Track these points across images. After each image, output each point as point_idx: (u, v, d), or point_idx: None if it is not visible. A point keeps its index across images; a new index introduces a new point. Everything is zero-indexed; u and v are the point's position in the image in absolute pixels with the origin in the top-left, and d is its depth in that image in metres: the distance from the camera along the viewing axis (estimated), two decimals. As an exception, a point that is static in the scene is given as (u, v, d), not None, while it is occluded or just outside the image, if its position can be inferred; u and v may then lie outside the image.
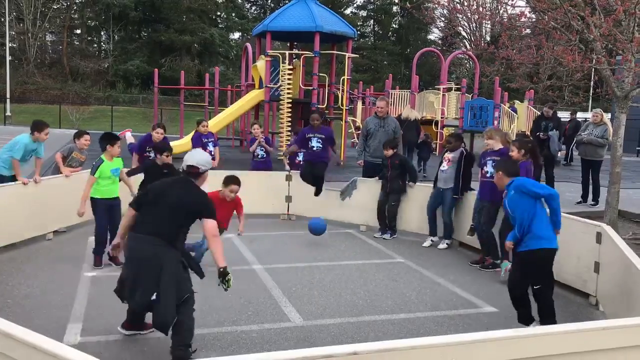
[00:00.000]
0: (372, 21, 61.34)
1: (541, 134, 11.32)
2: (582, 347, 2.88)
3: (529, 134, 19.44)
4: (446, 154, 7.61)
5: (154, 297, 3.74)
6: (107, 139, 6.36)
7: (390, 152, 8.06)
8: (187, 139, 14.30)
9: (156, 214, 3.89)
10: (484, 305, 5.47)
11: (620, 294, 4.74)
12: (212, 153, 9.30)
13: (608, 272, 5.21)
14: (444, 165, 7.49)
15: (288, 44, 20.12)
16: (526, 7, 9.38)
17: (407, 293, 5.75)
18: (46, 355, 2.35)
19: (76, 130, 8.06)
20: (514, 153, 6.01)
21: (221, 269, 3.90)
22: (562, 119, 14.29)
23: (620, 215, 8.95)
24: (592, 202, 10.58)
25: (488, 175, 6.66)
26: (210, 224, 3.91)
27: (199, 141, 9.50)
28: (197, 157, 4.17)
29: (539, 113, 17.28)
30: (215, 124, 16.72)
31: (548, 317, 4.66)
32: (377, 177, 8.48)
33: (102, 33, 55.18)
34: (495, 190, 5.86)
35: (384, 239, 8.02)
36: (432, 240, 7.72)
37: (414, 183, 8.17)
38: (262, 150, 9.59)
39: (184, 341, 3.83)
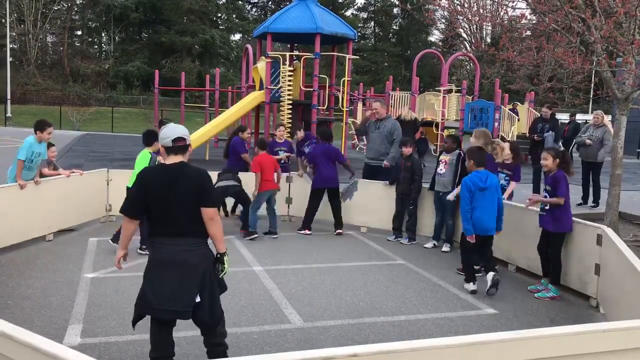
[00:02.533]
0: (372, 23, 61.45)
1: (536, 135, 11.36)
2: (583, 350, 2.88)
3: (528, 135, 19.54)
4: (442, 155, 7.59)
5: (198, 299, 3.53)
6: (155, 135, 6.60)
7: (407, 149, 7.91)
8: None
9: (172, 212, 3.51)
10: (485, 307, 5.46)
11: (620, 296, 4.73)
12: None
13: (609, 274, 5.20)
14: (442, 168, 7.46)
15: (288, 46, 20.13)
16: (527, 9, 9.38)
17: (407, 295, 5.75)
18: (46, 357, 2.35)
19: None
20: (549, 162, 5.86)
21: (219, 255, 3.71)
22: (561, 121, 14.31)
23: (620, 217, 8.94)
24: (593, 204, 10.58)
25: None
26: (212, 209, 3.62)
27: None
28: (180, 129, 3.68)
29: (539, 115, 17.32)
30: (216, 125, 16.74)
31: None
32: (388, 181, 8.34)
33: (103, 34, 55.29)
34: None
35: (401, 243, 7.98)
36: (434, 244, 7.71)
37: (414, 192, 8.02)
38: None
39: (224, 337, 3.79)
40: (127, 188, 6.81)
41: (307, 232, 8.30)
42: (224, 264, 3.73)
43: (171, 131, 3.65)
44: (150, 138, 6.80)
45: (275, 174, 8.16)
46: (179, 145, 3.62)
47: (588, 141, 10.29)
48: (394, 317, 5.12)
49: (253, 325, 4.78)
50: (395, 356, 2.50)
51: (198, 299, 3.53)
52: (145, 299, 3.55)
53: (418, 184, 7.94)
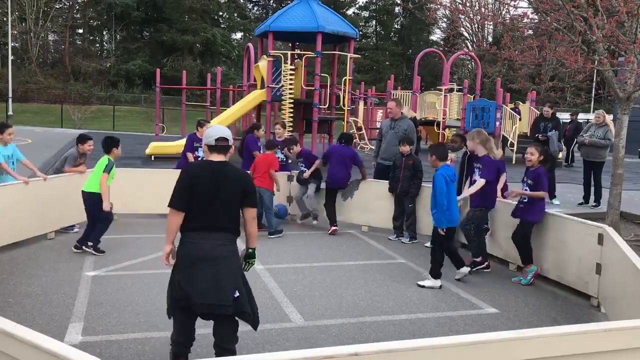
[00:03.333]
0: (374, 22, 61.44)
1: (540, 135, 11.32)
2: (584, 349, 2.87)
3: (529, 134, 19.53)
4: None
5: (237, 293, 3.59)
6: (113, 142, 6.81)
7: (405, 148, 7.90)
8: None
9: (212, 207, 3.61)
10: (486, 306, 5.46)
11: (622, 295, 4.73)
12: (200, 159, 8.74)
13: (610, 274, 5.20)
14: None
15: (290, 44, 20.12)
16: (528, 8, 9.38)
17: (408, 294, 5.75)
18: (47, 355, 2.35)
19: (79, 134, 8.05)
20: (534, 157, 6.23)
21: (250, 250, 3.91)
22: (562, 120, 14.31)
23: (622, 217, 8.94)
24: (594, 204, 10.57)
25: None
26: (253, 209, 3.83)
27: (190, 144, 9.20)
28: (223, 130, 3.79)
29: (539, 114, 17.34)
30: (217, 124, 16.70)
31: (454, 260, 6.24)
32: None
33: (104, 33, 55.33)
34: (486, 196, 6.51)
35: (402, 242, 7.97)
36: None
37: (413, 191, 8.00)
38: (282, 154, 9.12)
39: (236, 343, 3.80)
40: (82, 192, 6.79)
41: (333, 228, 8.33)
42: (254, 258, 3.93)
43: (215, 131, 3.77)
44: (109, 145, 6.78)
45: (275, 175, 8.12)
46: (221, 145, 3.74)
47: (602, 142, 10.15)
48: (394, 316, 5.12)
49: (254, 323, 4.77)
50: (396, 355, 2.49)
51: (237, 294, 3.59)
52: (183, 293, 3.55)
53: (419, 182, 7.93)
